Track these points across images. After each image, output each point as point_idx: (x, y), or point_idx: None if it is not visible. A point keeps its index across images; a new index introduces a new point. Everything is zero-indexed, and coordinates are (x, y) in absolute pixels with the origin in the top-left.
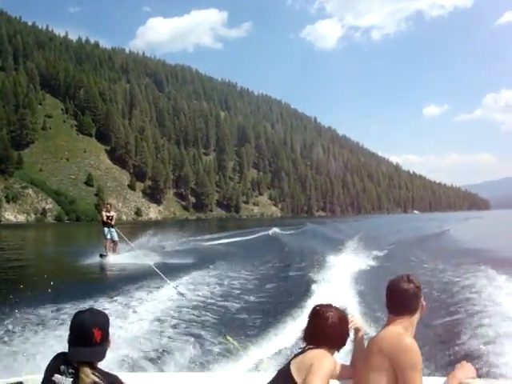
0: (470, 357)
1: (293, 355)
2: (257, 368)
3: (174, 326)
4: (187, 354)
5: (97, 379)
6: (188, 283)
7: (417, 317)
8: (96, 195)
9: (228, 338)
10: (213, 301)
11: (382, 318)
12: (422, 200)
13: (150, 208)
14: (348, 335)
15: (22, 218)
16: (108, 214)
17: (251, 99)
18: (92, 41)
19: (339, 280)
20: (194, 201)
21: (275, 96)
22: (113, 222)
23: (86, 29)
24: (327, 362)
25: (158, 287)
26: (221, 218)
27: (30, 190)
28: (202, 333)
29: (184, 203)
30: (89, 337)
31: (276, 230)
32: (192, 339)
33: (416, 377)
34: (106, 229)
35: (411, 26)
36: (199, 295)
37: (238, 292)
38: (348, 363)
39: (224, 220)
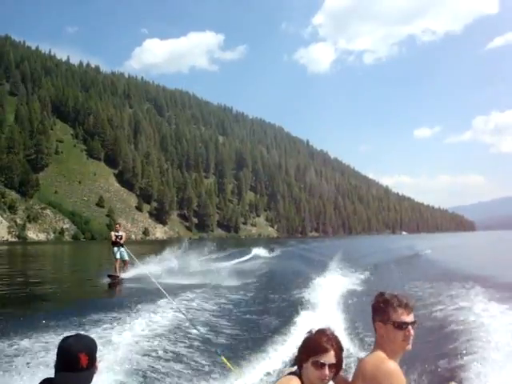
0: (457, 378)
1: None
2: None
3: (165, 348)
4: (179, 375)
5: None
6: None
7: (388, 337)
8: (107, 216)
9: (222, 357)
10: (199, 322)
11: (368, 341)
12: (410, 221)
13: (156, 228)
14: (303, 351)
15: (42, 236)
16: (117, 233)
17: (246, 123)
18: (92, 64)
19: (324, 301)
20: (197, 221)
21: (269, 119)
22: (122, 242)
23: (82, 48)
24: None
25: (156, 306)
26: (221, 237)
27: (48, 211)
28: (189, 353)
29: (187, 224)
30: (75, 362)
31: (259, 251)
32: (182, 360)
33: None
34: (115, 248)
35: (403, 49)
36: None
37: (226, 314)
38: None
39: (224, 240)
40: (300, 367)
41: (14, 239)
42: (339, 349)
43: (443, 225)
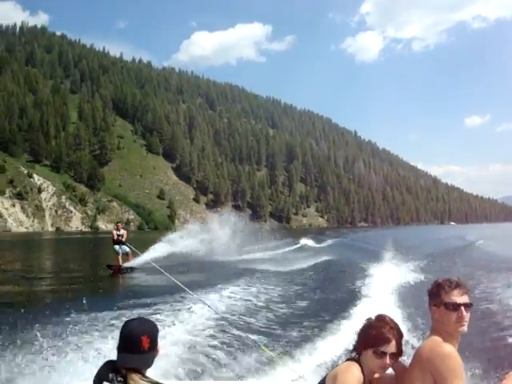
0: None
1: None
2: (296, 379)
3: (210, 337)
4: (225, 365)
5: None
6: (224, 296)
7: (442, 320)
8: (168, 207)
9: (265, 348)
10: (247, 313)
11: (424, 329)
12: (459, 212)
13: (213, 218)
14: (365, 340)
15: (110, 227)
16: (118, 232)
17: (294, 115)
18: (144, 60)
19: (379, 291)
20: (251, 212)
21: (316, 110)
22: (124, 239)
23: (132, 42)
24: (347, 377)
25: (190, 300)
26: (273, 228)
27: (114, 203)
28: (238, 344)
29: (241, 214)
30: (137, 344)
31: (308, 241)
32: (229, 350)
33: None
34: (116, 246)
35: (452, 37)
36: (235, 308)
37: (276, 304)
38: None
39: (276, 230)
40: (359, 354)
41: (86, 229)
42: (400, 337)
43: (492, 215)
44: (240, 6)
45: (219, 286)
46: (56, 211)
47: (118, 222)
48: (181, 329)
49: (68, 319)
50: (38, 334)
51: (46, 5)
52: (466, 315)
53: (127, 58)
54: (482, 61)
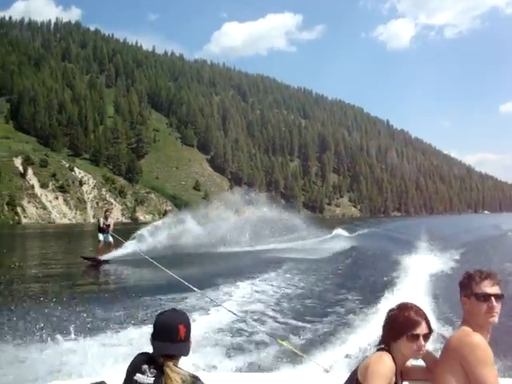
0: None
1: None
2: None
3: (239, 328)
4: (254, 355)
5: (182, 372)
6: (258, 284)
7: (472, 311)
8: (203, 198)
9: (281, 341)
10: (277, 303)
11: (456, 322)
12: (493, 200)
13: (246, 209)
14: (396, 328)
15: (148, 218)
16: (105, 221)
17: (326, 105)
18: (176, 52)
19: (412, 282)
20: (284, 203)
21: (348, 99)
22: (110, 229)
23: (163, 34)
24: (380, 367)
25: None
26: (307, 217)
27: (152, 195)
28: (262, 338)
29: (275, 205)
30: (174, 332)
31: (341, 231)
32: (260, 342)
33: (487, 373)
34: (100, 234)
35: (486, 22)
36: (270, 296)
37: (304, 295)
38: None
39: (310, 219)
40: (388, 345)
41: (127, 220)
42: (426, 317)
43: None
44: None
45: (248, 275)
46: (97, 203)
47: (106, 210)
48: (199, 322)
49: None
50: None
51: None
52: (497, 306)
53: (159, 50)
54: None
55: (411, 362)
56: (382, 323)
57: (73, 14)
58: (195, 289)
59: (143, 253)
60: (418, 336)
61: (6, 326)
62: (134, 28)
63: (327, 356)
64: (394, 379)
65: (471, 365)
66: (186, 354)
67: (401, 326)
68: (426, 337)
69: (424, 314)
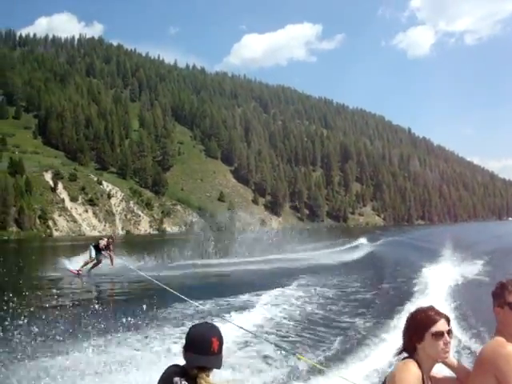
0: None
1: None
2: None
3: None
4: (272, 372)
5: None
6: (280, 295)
7: (506, 321)
8: (228, 209)
9: (300, 357)
10: (304, 313)
11: (483, 332)
12: None
13: (271, 219)
14: (417, 331)
15: (175, 229)
16: (105, 246)
17: (347, 114)
18: (197, 66)
19: (436, 292)
20: (308, 212)
21: (369, 108)
22: (104, 253)
23: (184, 47)
24: (405, 375)
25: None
26: (331, 226)
27: (178, 207)
28: (277, 354)
29: (299, 215)
30: (208, 345)
31: (363, 240)
32: (269, 359)
33: None
34: (94, 251)
35: (507, 27)
36: (297, 307)
37: (329, 305)
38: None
39: (333, 229)
40: (411, 351)
41: (154, 232)
42: (445, 315)
43: None
44: (289, 6)
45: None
46: (125, 215)
47: (110, 237)
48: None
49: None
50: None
51: (100, 15)
52: None
53: (180, 63)
54: None
55: (442, 373)
56: (403, 330)
57: (95, 30)
58: (192, 301)
59: (133, 267)
60: (442, 333)
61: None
62: (155, 41)
63: (352, 369)
64: None
65: (506, 376)
66: (218, 366)
67: (421, 325)
68: (449, 333)
69: (441, 312)
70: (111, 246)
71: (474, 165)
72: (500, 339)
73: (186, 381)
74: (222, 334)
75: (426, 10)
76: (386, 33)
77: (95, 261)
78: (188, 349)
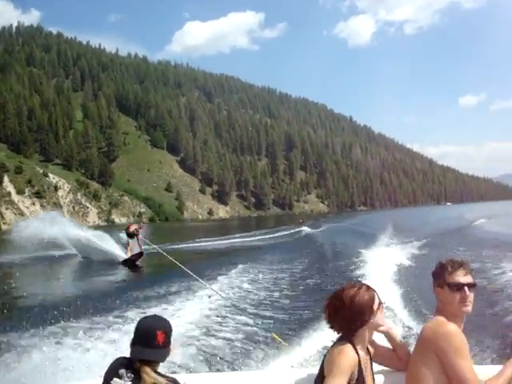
0: None
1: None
2: (302, 364)
3: (215, 329)
4: (231, 353)
5: (158, 378)
6: (223, 282)
7: (446, 301)
8: (176, 199)
9: (275, 335)
10: (248, 299)
11: (425, 312)
12: (455, 192)
13: (219, 208)
14: (365, 313)
15: (124, 220)
16: (136, 229)
17: (290, 103)
18: (139, 54)
19: (378, 275)
20: (254, 201)
21: (311, 97)
22: (137, 237)
23: (124, 35)
24: (343, 361)
25: (195, 290)
26: (277, 214)
27: (126, 198)
28: (242, 333)
29: (246, 203)
30: (152, 338)
31: (307, 227)
32: (234, 339)
33: (463, 364)
34: (124, 235)
35: (445, 17)
36: (236, 294)
37: (274, 289)
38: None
39: (280, 216)
40: (350, 334)
41: (103, 223)
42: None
43: (487, 194)
44: None
45: (218, 272)
46: (73, 207)
47: (140, 226)
48: (184, 320)
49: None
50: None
51: (37, 1)
52: (470, 295)
53: (121, 52)
54: (476, 40)
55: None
56: (333, 311)
57: (33, 17)
58: (202, 281)
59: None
60: (380, 306)
61: None
62: (95, 29)
63: (303, 350)
64: (356, 370)
65: (447, 354)
66: (162, 360)
67: (367, 309)
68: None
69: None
70: (140, 231)
71: (413, 152)
72: (440, 318)
73: (132, 373)
74: (170, 328)
75: (366, 0)
76: (327, 22)
77: (130, 242)
78: (134, 341)
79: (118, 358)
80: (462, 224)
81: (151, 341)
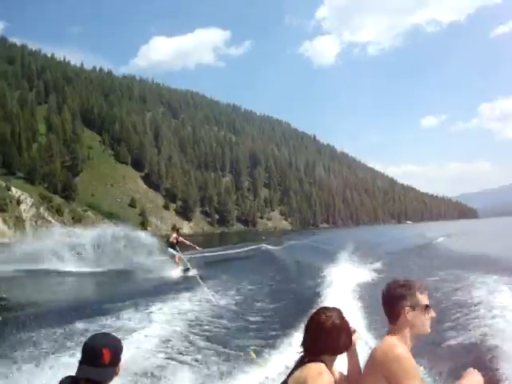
0: (478, 365)
1: (292, 368)
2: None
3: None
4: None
5: None
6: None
7: (414, 322)
8: (139, 215)
9: (252, 353)
10: (209, 319)
11: (381, 330)
12: (415, 211)
13: (183, 224)
14: (348, 341)
15: None
16: (177, 236)
17: (254, 121)
18: (104, 68)
19: (339, 292)
20: (218, 217)
21: (276, 114)
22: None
23: (87, 47)
24: (324, 382)
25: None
26: (240, 231)
27: (89, 213)
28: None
29: (209, 220)
30: (98, 356)
31: (268, 244)
32: (198, 358)
33: None
34: (171, 249)
35: (408, 40)
36: (194, 314)
37: (236, 308)
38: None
39: (243, 232)
40: (320, 355)
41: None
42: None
43: (446, 213)
44: (199, 11)
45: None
46: (36, 222)
47: (178, 228)
48: (145, 336)
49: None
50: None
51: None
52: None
53: (86, 65)
54: (437, 63)
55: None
56: (313, 333)
57: None
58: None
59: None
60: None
61: None
62: (57, 40)
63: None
64: None
65: (396, 377)
66: (109, 379)
67: (346, 335)
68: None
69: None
70: (180, 238)
71: (375, 171)
72: (391, 340)
73: None
74: (120, 346)
75: (331, 20)
76: (292, 41)
77: (178, 254)
78: (81, 360)
79: (65, 377)
80: (422, 242)
81: (97, 359)
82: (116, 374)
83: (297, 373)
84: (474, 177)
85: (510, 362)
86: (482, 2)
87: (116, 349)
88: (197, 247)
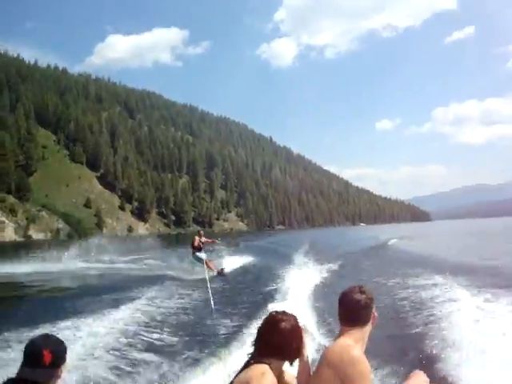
0: (424, 366)
1: (239, 370)
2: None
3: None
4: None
5: None
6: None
7: (369, 328)
8: (95, 216)
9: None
10: (160, 321)
11: (335, 330)
12: (368, 213)
13: (139, 225)
14: (301, 346)
15: (41, 236)
16: (201, 240)
17: (211, 122)
18: (59, 66)
19: (292, 294)
20: (174, 218)
21: (233, 115)
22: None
23: (40, 44)
24: (267, 382)
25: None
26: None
27: (43, 213)
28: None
29: (166, 221)
30: (39, 358)
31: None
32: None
33: None
34: (198, 253)
35: (364, 44)
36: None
37: (190, 311)
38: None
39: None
40: (267, 358)
41: (20, 239)
42: None
43: (400, 216)
44: (157, 10)
45: (123, 296)
46: None
47: (200, 231)
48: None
49: None
50: None
51: None
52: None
53: (41, 62)
54: (393, 67)
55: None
56: (267, 334)
57: None
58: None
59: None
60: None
61: None
62: (8, 36)
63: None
64: None
65: (350, 379)
66: (49, 381)
67: (298, 341)
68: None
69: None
70: (203, 239)
71: (330, 173)
72: (347, 341)
73: None
74: (63, 348)
75: (289, 23)
76: (251, 42)
77: (205, 260)
78: (22, 361)
79: (7, 379)
80: (376, 243)
81: (38, 360)
82: (59, 376)
83: (241, 374)
84: (427, 180)
85: (458, 364)
86: (438, 8)
87: (58, 350)
88: (216, 241)
